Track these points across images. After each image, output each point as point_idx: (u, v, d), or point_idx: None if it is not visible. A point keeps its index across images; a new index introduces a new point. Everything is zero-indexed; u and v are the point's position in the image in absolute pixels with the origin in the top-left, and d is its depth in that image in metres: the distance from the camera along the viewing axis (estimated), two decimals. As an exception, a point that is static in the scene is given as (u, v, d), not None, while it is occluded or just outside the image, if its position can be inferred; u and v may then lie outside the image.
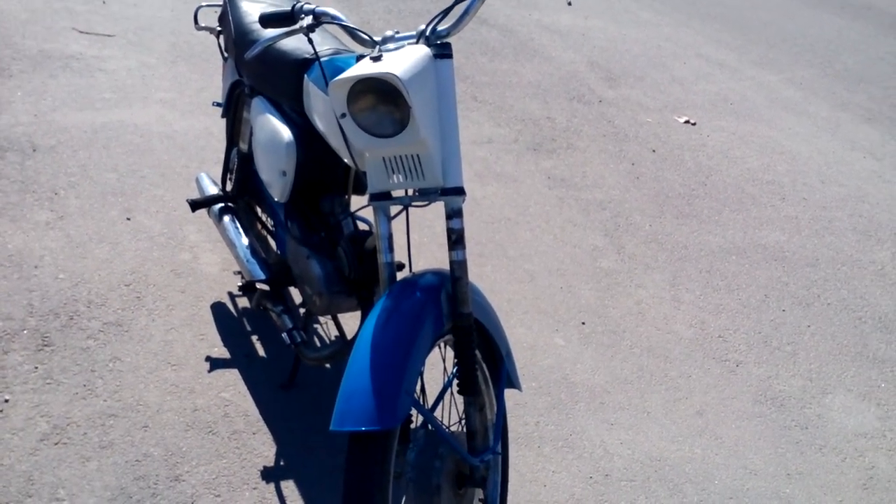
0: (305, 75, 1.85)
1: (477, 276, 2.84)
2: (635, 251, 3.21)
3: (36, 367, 2.15)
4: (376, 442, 1.30)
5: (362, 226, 2.05)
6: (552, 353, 2.55)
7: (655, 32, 6.16)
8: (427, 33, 1.46)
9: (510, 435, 2.18)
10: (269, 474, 1.98)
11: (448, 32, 1.46)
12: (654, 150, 4.14)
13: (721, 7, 7.23)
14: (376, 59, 1.38)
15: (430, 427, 1.50)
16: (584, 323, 2.72)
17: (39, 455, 1.91)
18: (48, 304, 2.38)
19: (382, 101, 1.36)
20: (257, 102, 2.10)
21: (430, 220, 3.05)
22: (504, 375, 1.69)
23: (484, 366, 1.68)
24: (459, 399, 1.60)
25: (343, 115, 1.39)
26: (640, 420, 2.34)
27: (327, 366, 2.33)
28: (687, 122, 4.57)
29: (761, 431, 2.38)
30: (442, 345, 1.58)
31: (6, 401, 2.04)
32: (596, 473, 2.13)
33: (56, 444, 1.95)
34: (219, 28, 2.44)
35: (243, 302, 2.53)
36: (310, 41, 1.62)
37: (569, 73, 5.02)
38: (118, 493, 1.86)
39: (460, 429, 1.62)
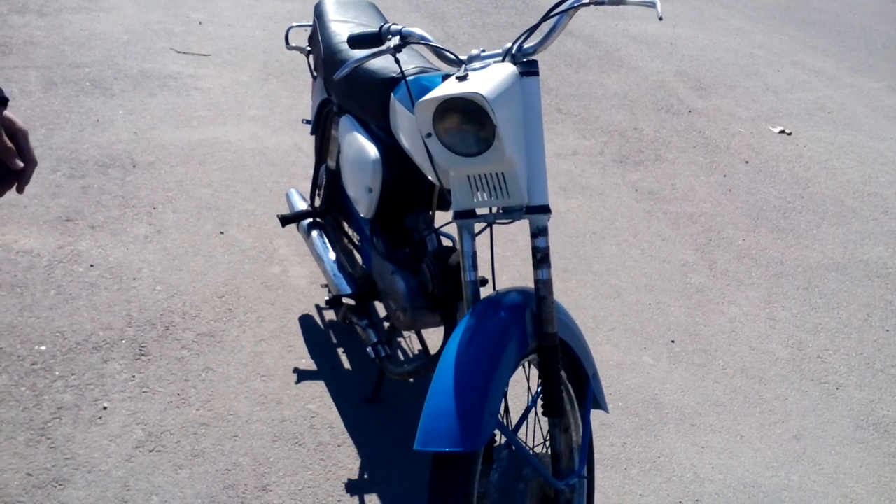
0: (392, 94, 1.87)
1: (561, 291, 2.81)
2: (728, 267, 3.10)
3: (133, 376, 2.24)
4: (460, 463, 1.29)
5: (446, 242, 2.05)
6: (640, 373, 2.49)
7: (747, 40, 5.97)
8: (513, 51, 1.45)
9: (596, 456, 2.14)
10: (354, 487, 2.00)
11: (534, 50, 1.45)
12: (747, 162, 4.01)
13: (818, 12, 6.96)
14: (462, 78, 1.38)
15: (513, 448, 1.48)
16: (673, 341, 2.64)
17: (135, 462, 1.99)
18: (146, 314, 2.47)
19: (468, 121, 1.36)
20: (345, 120, 2.14)
21: (512, 234, 3.04)
22: (590, 396, 1.65)
23: (569, 386, 1.65)
24: (544, 420, 1.58)
25: (429, 135, 1.39)
26: (732, 444, 2.25)
27: (411, 381, 2.34)
28: (782, 131, 4.40)
29: (863, 459, 2.26)
30: (526, 364, 1.56)
31: (105, 408, 2.13)
32: (685, 498, 2.06)
33: (151, 451, 2.03)
34: (308, 48, 2.50)
35: (330, 315, 2.57)
36: (396, 61, 1.63)
37: (656, 83, 4.91)
38: (208, 501, 1.91)
39: (545, 450, 1.59)
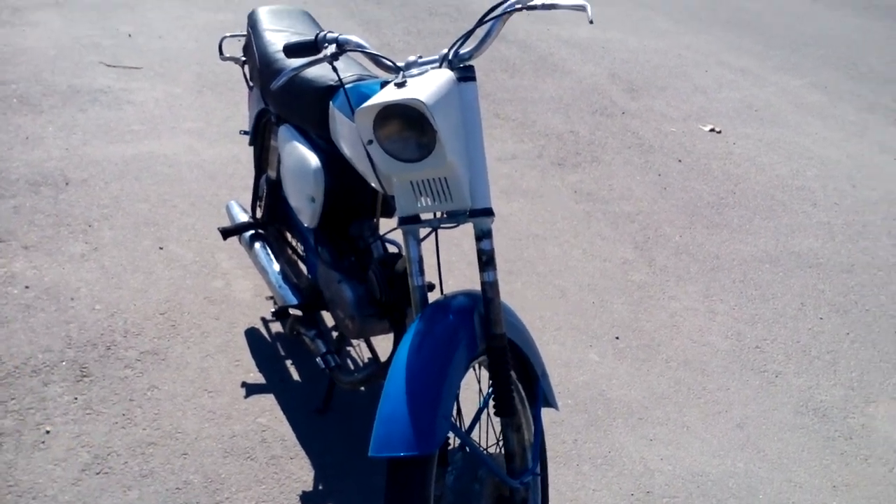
0: (331, 102, 1.87)
1: (507, 293, 2.84)
2: (667, 263, 3.18)
3: (76, 398, 2.18)
4: (415, 467, 1.30)
5: (391, 248, 2.06)
6: (587, 370, 2.53)
7: (675, 41, 6.13)
8: (450, 57, 1.47)
9: (548, 454, 2.16)
10: (309, 499, 1.98)
11: (471, 55, 1.47)
12: (680, 161, 4.12)
13: (741, 13, 7.19)
14: (401, 84, 1.39)
15: (467, 450, 1.50)
16: (618, 337, 2.70)
17: (82, 485, 1.93)
18: (86, 335, 2.41)
19: (408, 127, 1.37)
20: (284, 130, 2.12)
21: (457, 238, 3.06)
22: (540, 395, 1.68)
23: (520, 386, 1.67)
24: (496, 420, 1.59)
25: (370, 142, 1.40)
26: (679, 435, 2.31)
27: (362, 389, 2.33)
28: (712, 130, 4.54)
29: (804, 443, 2.34)
30: (476, 366, 1.58)
31: (48, 432, 2.07)
32: (637, 491, 2.11)
33: (98, 473, 1.98)
34: (243, 58, 2.48)
35: (277, 327, 2.54)
36: (334, 69, 1.63)
37: (590, 86, 5.01)
38: (159, 523, 1.87)
39: (498, 450, 1.61)
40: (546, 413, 2.23)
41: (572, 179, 3.80)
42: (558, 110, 4.59)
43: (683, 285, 3.04)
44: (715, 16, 7.02)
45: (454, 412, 1.52)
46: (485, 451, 1.54)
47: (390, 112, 1.37)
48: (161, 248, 2.87)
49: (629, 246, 3.27)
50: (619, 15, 6.63)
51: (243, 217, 2.52)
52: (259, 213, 2.51)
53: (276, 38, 2.27)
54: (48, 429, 2.08)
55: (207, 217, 3.08)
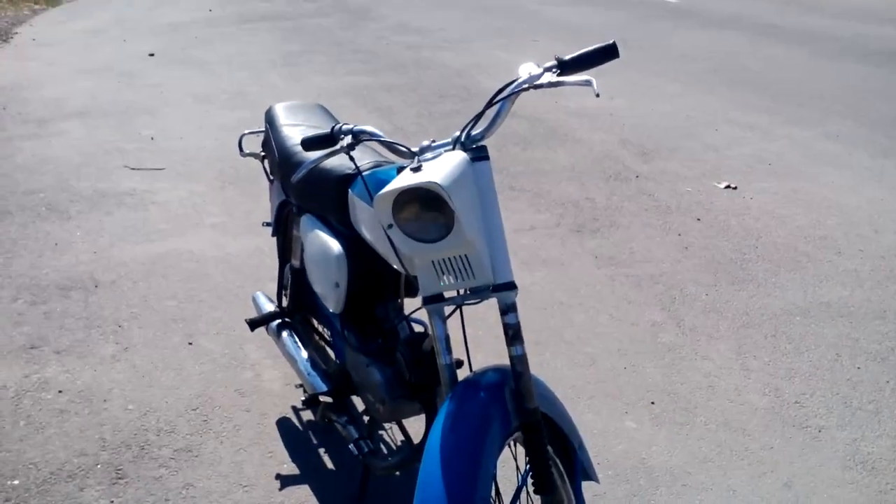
0: (349, 190, 1.91)
1: (536, 364, 2.81)
2: (695, 322, 3.15)
3: (112, 501, 2.17)
4: (455, 552, 1.27)
5: (417, 328, 2.06)
6: (625, 438, 2.48)
7: (682, 104, 6.23)
8: (462, 139, 1.51)
9: (591, 528, 2.11)
10: (350, 592, 1.94)
11: (482, 136, 1.51)
12: (698, 219, 4.12)
13: (744, 72, 7.30)
14: (416, 169, 1.42)
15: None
16: (653, 402, 2.65)
17: (121, 592, 1.91)
18: (119, 436, 2.42)
19: (426, 209, 1.40)
20: (305, 220, 2.17)
21: (482, 313, 3.05)
22: (579, 467, 1.65)
23: (557, 460, 1.65)
24: (536, 498, 1.56)
25: (390, 226, 1.43)
26: (726, 499, 2.24)
27: (397, 473, 2.30)
28: (727, 186, 4.55)
29: (855, 499, 2.26)
30: (512, 443, 1.56)
31: (85, 539, 2.05)
32: (686, 561, 2.04)
33: (135, 579, 1.95)
34: (262, 153, 2.55)
35: (308, 415, 2.53)
36: (351, 158, 1.68)
37: (602, 153, 5.08)
38: None
39: (540, 528, 1.57)
40: (588, 486, 2.18)
41: (592, 245, 3.81)
42: (572, 178, 4.64)
43: (715, 344, 3.01)
44: (718, 77, 7.13)
45: (493, 493, 1.50)
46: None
47: (408, 196, 1.40)
48: (190, 344, 2.89)
49: (656, 308, 3.25)
50: (624, 83, 6.75)
51: (270, 307, 2.55)
52: (285, 303, 2.53)
53: (294, 132, 2.34)
54: (85, 535, 2.07)
55: (235, 309, 3.12)
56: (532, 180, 4.60)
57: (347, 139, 1.65)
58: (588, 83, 1.41)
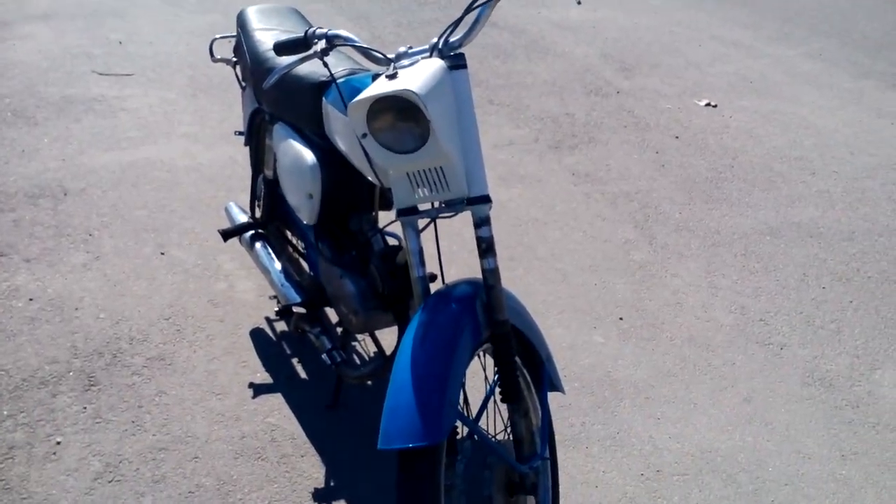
0: (323, 98, 1.87)
1: (509, 279, 2.84)
2: (667, 240, 3.18)
3: (84, 408, 2.19)
4: (425, 457, 1.30)
5: (392, 241, 2.06)
6: (592, 352, 2.53)
7: (667, 18, 6.11)
8: (440, 46, 1.47)
9: (557, 437, 2.17)
10: (321, 496, 1.99)
11: (460, 43, 1.47)
12: (677, 137, 4.11)
13: (732, -14, 7.15)
14: (392, 76, 1.39)
15: (476, 438, 1.50)
16: (621, 318, 2.70)
17: (95, 494, 1.95)
18: (91, 344, 2.42)
19: (402, 118, 1.37)
20: (278, 128, 2.12)
21: (457, 228, 3.06)
22: (546, 379, 1.68)
23: (525, 371, 1.68)
24: (503, 407, 1.60)
25: (364, 135, 1.40)
26: (687, 412, 2.32)
27: (369, 383, 2.34)
28: (707, 104, 4.52)
29: (812, 413, 2.35)
30: (481, 354, 1.58)
31: (58, 443, 2.08)
32: (647, 470, 2.11)
33: (110, 481, 1.99)
34: (234, 59, 2.47)
35: (282, 326, 2.55)
36: (325, 64, 1.63)
37: (583, 67, 5.00)
38: (175, 526, 1.88)
39: (506, 437, 1.61)
40: (553, 397, 2.24)
41: (570, 162, 3.79)
42: (552, 93, 4.58)
43: (685, 262, 3.04)
44: (705, -10, 6.99)
45: (461, 401, 1.53)
46: (493, 438, 1.55)
47: (383, 104, 1.36)
48: (162, 254, 2.87)
49: (629, 225, 3.27)
50: (609, -6, 6.60)
51: (242, 218, 2.52)
52: (258, 213, 2.51)
53: (266, 36, 2.26)
54: (59, 439, 2.09)
55: (207, 220, 3.09)
56: (512, 94, 4.53)
57: (321, 44, 1.59)
58: (569, -9, 1.36)
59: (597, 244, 3.13)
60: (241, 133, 2.56)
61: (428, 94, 1.32)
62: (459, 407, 1.49)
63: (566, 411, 2.29)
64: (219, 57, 2.52)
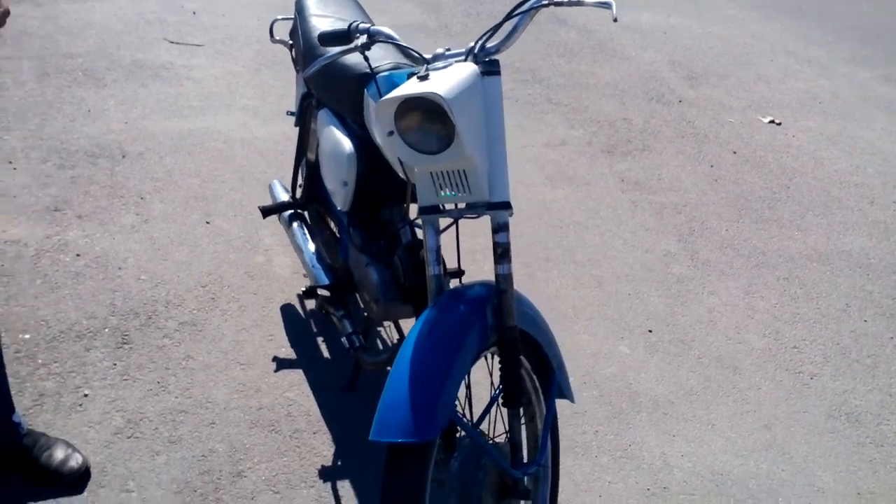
0: (365, 90, 1.90)
1: (542, 281, 2.84)
2: (710, 257, 3.13)
3: (114, 364, 2.29)
4: (413, 454, 1.33)
5: (420, 235, 2.08)
6: (616, 362, 2.52)
7: (741, 29, 5.96)
8: (476, 51, 1.48)
9: (566, 444, 2.18)
10: (327, 474, 2.04)
11: (497, 49, 1.48)
12: (734, 152, 4.02)
13: (812, 2, 6.93)
14: (423, 77, 1.40)
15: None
16: (650, 331, 2.68)
17: (113, 448, 2.03)
18: (129, 303, 2.52)
19: (429, 119, 1.39)
20: (322, 115, 2.16)
21: (485, 228, 3.06)
22: (555, 386, 1.69)
23: (534, 377, 1.69)
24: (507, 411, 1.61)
25: (390, 133, 1.42)
26: (703, 432, 2.29)
27: (388, 369, 2.38)
28: (772, 122, 4.41)
29: (833, 448, 2.29)
30: (490, 356, 1.60)
31: (86, 395, 2.17)
32: (654, 486, 2.10)
33: (129, 437, 2.07)
34: (290, 41, 2.52)
35: (312, 304, 2.61)
36: (365, 58, 1.66)
37: (648, 72, 4.92)
38: (183, 487, 1.96)
39: (506, 440, 1.63)
40: (568, 404, 2.25)
41: (621, 167, 3.76)
42: (613, 96, 4.53)
43: (725, 280, 2.99)
44: (785, 4, 6.78)
45: (463, 400, 1.55)
46: (491, 441, 1.57)
47: (411, 104, 1.39)
48: (208, 223, 2.96)
49: (673, 238, 3.23)
50: (684, 1, 6.47)
51: (284, 196, 2.58)
52: (299, 194, 2.56)
53: (321, 23, 2.30)
54: (86, 392, 2.19)
55: (255, 193, 3.16)
56: (571, 94, 4.49)
57: (362, 39, 1.62)
58: (607, 5, 1.36)
59: (637, 254, 3.10)
60: (292, 113, 2.62)
61: (455, 98, 1.34)
62: (461, 407, 1.51)
63: (580, 418, 2.29)
64: (277, 38, 2.58)
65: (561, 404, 1.84)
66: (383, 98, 1.40)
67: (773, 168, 3.90)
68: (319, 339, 2.48)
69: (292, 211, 2.51)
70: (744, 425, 2.33)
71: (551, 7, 1.49)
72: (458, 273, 2.25)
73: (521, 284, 2.76)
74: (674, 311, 2.79)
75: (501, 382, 1.52)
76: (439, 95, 1.33)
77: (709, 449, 2.23)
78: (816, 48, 5.70)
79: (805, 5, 6.76)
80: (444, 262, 1.70)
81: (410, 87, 1.39)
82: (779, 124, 4.40)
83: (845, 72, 5.29)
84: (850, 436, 2.34)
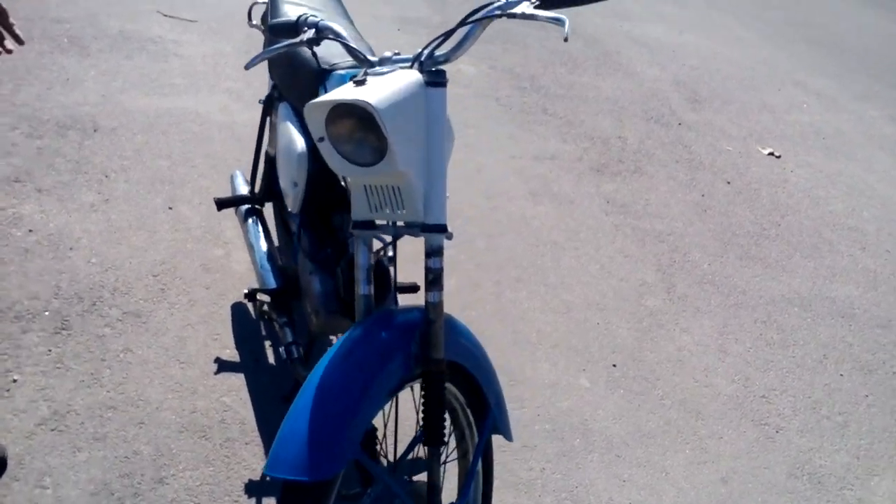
0: (320, 88, 1.78)
1: (510, 301, 2.73)
2: (687, 291, 3.01)
3: (50, 350, 2.18)
4: (309, 493, 1.21)
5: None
6: (574, 395, 2.41)
7: (752, 53, 5.83)
8: (423, 58, 1.37)
9: (510, 479, 2.07)
10: (253, 489, 1.94)
11: (446, 59, 1.36)
12: (728, 182, 3.90)
13: (826, 32, 6.80)
14: (360, 82, 1.29)
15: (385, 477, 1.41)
16: (615, 365, 2.56)
17: (34, 439, 1.93)
18: (75, 287, 2.40)
19: (362, 128, 1.28)
20: (282, 108, 2.05)
21: (472, 236, 2.95)
22: (489, 424, 1.58)
23: (468, 411, 1.58)
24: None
25: (321, 139, 1.31)
26: (656, 480, 2.18)
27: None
28: (771, 154, 4.29)
29: (790, 509, 2.18)
30: (414, 389, 1.49)
31: (14, 381, 2.07)
32: (594, 533, 1.99)
33: (52, 430, 1.96)
34: (263, 27, 2.41)
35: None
36: (313, 54, 1.55)
37: (651, 90, 4.80)
38: (101, 489, 1.85)
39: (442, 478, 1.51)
40: (517, 437, 2.14)
41: (608, 188, 3.64)
42: (611, 112, 4.41)
43: (699, 318, 2.87)
44: (799, 32, 6.65)
45: (381, 436, 1.44)
46: (410, 480, 1.46)
47: (344, 110, 1.27)
48: (170, 209, 2.85)
49: (651, 267, 3.11)
50: (698, 18, 6.34)
51: (243, 190, 2.47)
52: (259, 188, 2.45)
53: (291, 11, 2.18)
54: (16, 377, 2.08)
55: (225, 182, 3.05)
56: (569, 106, 4.37)
57: (310, 33, 1.51)
58: (560, 22, 1.24)
59: (612, 281, 2.98)
60: (262, 102, 2.50)
61: (389, 108, 1.23)
62: (380, 442, 1.40)
63: (529, 452, 2.18)
64: (254, 23, 2.47)
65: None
66: (312, 102, 1.28)
67: (766, 203, 3.78)
68: (267, 343, 2.37)
69: (249, 206, 2.39)
70: (699, 476, 2.22)
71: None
72: (413, 288, 2.15)
73: (487, 303, 2.66)
74: (642, 347, 2.67)
75: (423, 420, 1.41)
76: (369, 104, 1.21)
77: (659, 499, 2.12)
78: (826, 81, 5.57)
79: (817, 35, 6.63)
80: (394, 276, 1.59)
81: (343, 92, 1.28)
82: (778, 157, 4.28)
83: (854, 108, 5.16)
84: (810, 498, 2.22)
